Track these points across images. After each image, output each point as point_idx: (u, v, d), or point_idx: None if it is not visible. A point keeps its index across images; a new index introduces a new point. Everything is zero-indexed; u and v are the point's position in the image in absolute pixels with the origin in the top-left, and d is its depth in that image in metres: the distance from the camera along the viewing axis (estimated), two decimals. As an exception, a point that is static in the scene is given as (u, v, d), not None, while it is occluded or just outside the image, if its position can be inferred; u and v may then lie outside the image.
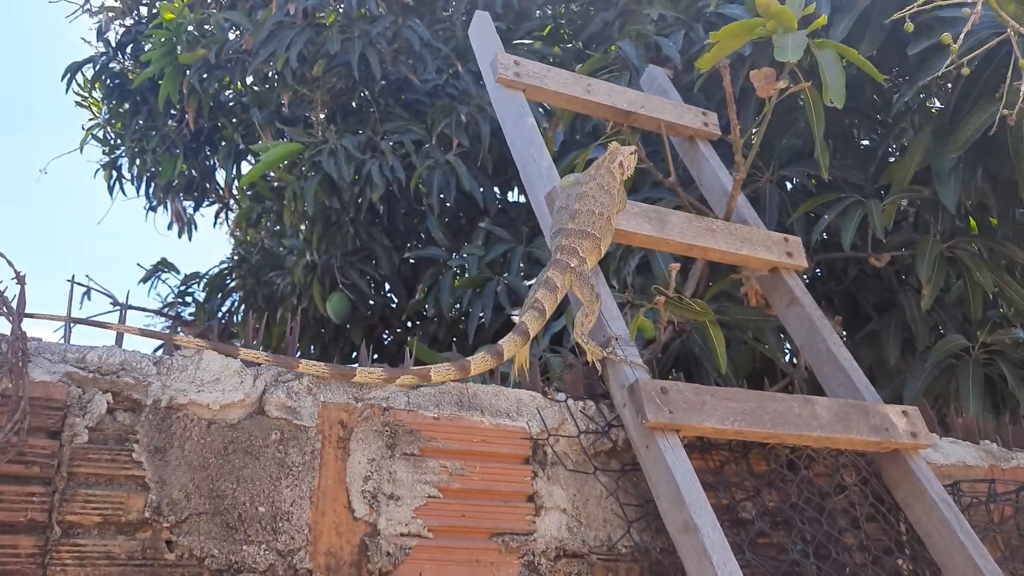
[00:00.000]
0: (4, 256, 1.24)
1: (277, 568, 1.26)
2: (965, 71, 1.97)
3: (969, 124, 2.09)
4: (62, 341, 1.31)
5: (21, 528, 1.13)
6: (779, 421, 1.60)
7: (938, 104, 2.71)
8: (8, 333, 1.19)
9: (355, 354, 3.67)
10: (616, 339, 1.65)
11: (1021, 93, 1.80)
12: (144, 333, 1.43)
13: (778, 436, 1.61)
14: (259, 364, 1.39)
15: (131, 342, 1.52)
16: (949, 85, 2.38)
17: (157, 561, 1.19)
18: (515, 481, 1.52)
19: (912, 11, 1.94)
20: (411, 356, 1.63)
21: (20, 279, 1.18)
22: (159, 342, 1.74)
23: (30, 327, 1.25)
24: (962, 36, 1.89)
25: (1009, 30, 1.93)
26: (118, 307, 4.97)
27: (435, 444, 1.47)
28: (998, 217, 2.51)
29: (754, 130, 2.02)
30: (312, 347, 4.39)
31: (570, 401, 1.66)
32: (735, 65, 2.39)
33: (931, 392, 2.52)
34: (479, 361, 1.54)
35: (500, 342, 1.58)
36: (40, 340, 1.27)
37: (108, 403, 1.25)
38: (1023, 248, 2.47)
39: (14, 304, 1.19)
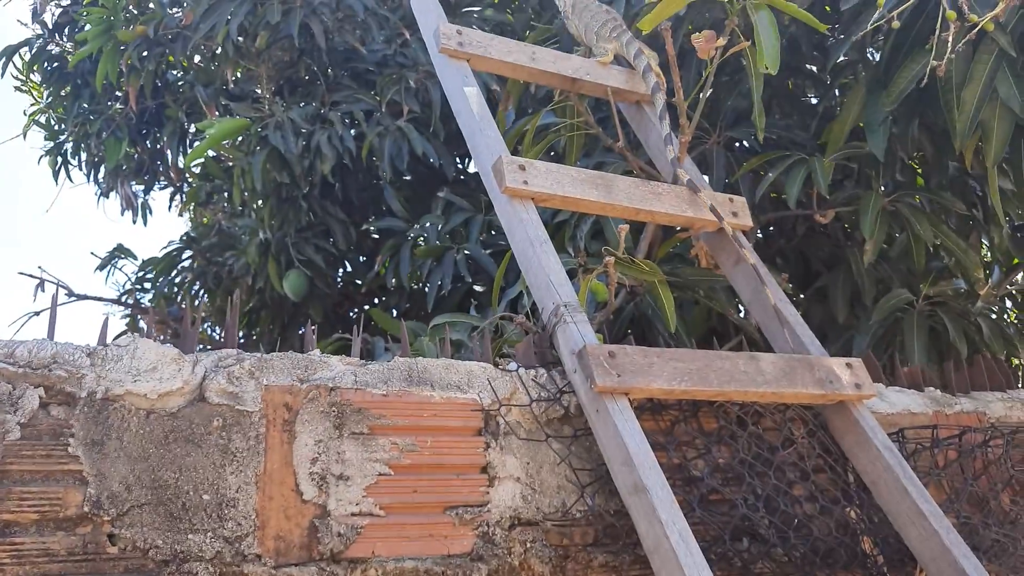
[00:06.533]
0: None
1: (224, 555, 1.25)
2: (895, 24, 1.98)
3: (902, 77, 2.09)
4: (-10, 338, 1.28)
5: (-46, 530, 1.11)
6: (726, 379, 1.62)
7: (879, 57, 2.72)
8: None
9: (314, 330, 3.65)
10: (565, 306, 1.65)
11: (949, 44, 1.81)
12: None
13: (726, 394, 1.63)
14: (197, 351, 1.37)
15: (64, 334, 1.48)
16: (881, 39, 2.40)
17: (99, 555, 1.18)
18: (468, 453, 1.52)
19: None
20: (360, 327, 1.61)
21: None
22: (94, 332, 1.70)
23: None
24: (891, -12, 1.89)
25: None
26: (73, 298, 4.89)
27: (384, 421, 1.47)
28: (933, 167, 2.53)
29: (700, 95, 2.02)
30: (272, 326, 4.35)
31: (521, 370, 1.66)
32: (674, 26, 2.38)
33: (880, 347, 2.56)
34: None
35: None
36: (-35, 338, 1.24)
37: (40, 397, 1.22)
38: (960, 198, 2.49)
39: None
